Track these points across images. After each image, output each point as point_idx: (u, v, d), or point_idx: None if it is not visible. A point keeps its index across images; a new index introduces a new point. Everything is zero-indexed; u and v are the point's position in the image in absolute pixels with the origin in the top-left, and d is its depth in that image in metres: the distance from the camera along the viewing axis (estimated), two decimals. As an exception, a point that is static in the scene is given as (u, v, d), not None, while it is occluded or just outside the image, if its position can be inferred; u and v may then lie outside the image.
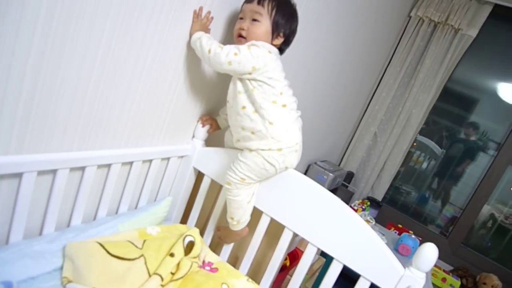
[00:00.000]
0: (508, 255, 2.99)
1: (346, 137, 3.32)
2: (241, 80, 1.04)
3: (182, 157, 1.29)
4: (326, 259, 2.07)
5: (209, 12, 1.07)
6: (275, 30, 1.06)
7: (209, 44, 1.00)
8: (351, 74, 2.54)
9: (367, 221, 2.47)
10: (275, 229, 1.20)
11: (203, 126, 1.27)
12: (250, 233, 1.21)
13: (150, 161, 1.17)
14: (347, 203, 2.71)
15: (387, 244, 2.28)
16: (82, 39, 0.79)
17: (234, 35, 1.09)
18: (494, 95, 3.06)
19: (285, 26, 1.08)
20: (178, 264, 0.95)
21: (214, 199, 1.34)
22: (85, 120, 0.90)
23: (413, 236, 2.31)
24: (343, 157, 3.36)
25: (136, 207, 1.22)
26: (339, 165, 3.36)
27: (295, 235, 1.17)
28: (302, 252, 1.61)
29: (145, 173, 1.18)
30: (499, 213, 3.08)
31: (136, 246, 0.94)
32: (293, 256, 1.64)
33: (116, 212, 1.15)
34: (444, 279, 2.69)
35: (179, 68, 1.09)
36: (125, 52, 0.91)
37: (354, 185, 3.25)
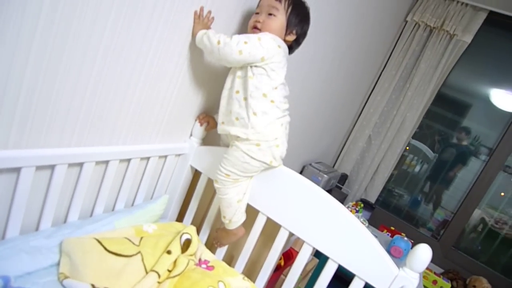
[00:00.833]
0: (497, 259, 3.03)
1: (341, 139, 3.34)
2: (243, 67, 1.06)
3: (179, 155, 1.30)
4: (319, 259, 2.08)
5: (210, 12, 1.08)
6: (289, 26, 1.10)
7: (217, 36, 1.02)
8: (346, 76, 2.56)
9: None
10: (271, 228, 1.20)
11: (201, 124, 1.28)
12: (246, 232, 1.21)
13: (148, 158, 1.17)
14: (341, 205, 2.74)
15: (380, 245, 2.31)
16: (84, 36, 0.80)
17: (249, 27, 1.12)
18: (487, 101, 3.10)
19: (298, 25, 1.12)
20: (175, 262, 0.96)
21: (210, 197, 1.35)
22: (84, 116, 0.90)
23: (405, 238, 2.33)
24: (337, 159, 3.38)
25: (132, 204, 1.22)
26: (333, 166, 3.38)
27: (291, 235, 1.18)
28: (297, 252, 1.62)
29: (143, 170, 1.18)
30: (489, 218, 3.12)
31: (133, 243, 0.95)
32: (288, 256, 1.65)
33: (113, 209, 1.15)
34: (435, 281, 2.71)
35: (178, 66, 1.10)
36: (126, 49, 0.91)
37: (348, 187, 3.27)
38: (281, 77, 1.08)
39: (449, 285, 2.69)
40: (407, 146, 3.22)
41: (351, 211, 2.56)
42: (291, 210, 1.14)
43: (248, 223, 1.20)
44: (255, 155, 1.07)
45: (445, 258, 3.02)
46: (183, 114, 1.23)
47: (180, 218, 1.39)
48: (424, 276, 2.68)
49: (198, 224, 1.38)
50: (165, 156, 1.24)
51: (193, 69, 1.16)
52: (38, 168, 0.84)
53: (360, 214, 2.62)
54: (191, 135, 1.31)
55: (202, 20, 1.06)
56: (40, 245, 0.88)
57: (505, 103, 3.04)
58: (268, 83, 1.05)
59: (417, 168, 3.43)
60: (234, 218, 1.16)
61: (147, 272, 0.90)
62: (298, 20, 1.12)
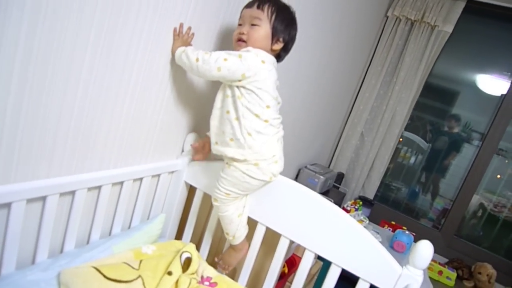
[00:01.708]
0: (500, 243, 3.05)
1: (334, 139, 3.35)
2: (230, 86, 1.03)
3: (172, 172, 1.29)
4: (323, 262, 2.07)
5: (189, 28, 1.07)
6: (275, 34, 1.06)
7: (196, 53, 1.00)
8: (333, 76, 2.57)
9: (361, 220, 2.49)
10: (271, 237, 1.20)
11: (196, 158, 1.27)
12: (248, 243, 1.20)
13: (141, 179, 1.15)
14: (340, 204, 2.75)
15: (382, 242, 2.31)
16: (64, 62, 0.79)
17: (233, 40, 1.08)
18: (474, 87, 3.14)
19: (284, 32, 1.08)
20: (177, 282, 0.94)
21: (207, 212, 1.34)
22: (72, 143, 0.89)
23: (407, 232, 2.34)
24: (332, 158, 3.39)
25: (129, 227, 1.20)
26: (328, 166, 3.38)
27: (291, 242, 1.17)
28: (300, 258, 1.61)
29: (136, 191, 1.17)
30: (488, 202, 3.15)
31: (133, 267, 0.93)
32: (291, 262, 1.64)
33: (110, 234, 1.13)
34: (440, 272, 2.72)
35: (163, 85, 1.09)
36: (108, 73, 0.90)
37: (345, 186, 3.27)
38: (271, 93, 1.05)
39: (455, 274, 2.70)
40: (400, 138, 3.23)
41: (350, 209, 2.57)
42: (290, 218, 1.13)
43: (248, 235, 1.19)
44: (255, 174, 1.06)
45: (448, 247, 3.03)
46: (172, 131, 1.22)
47: (179, 235, 1.37)
48: (429, 267, 2.69)
49: (197, 240, 1.37)
50: (158, 175, 1.23)
51: (178, 86, 1.15)
52: (29, 201, 0.83)
53: (360, 212, 2.62)
54: (182, 150, 1.30)
55: (181, 37, 1.05)
56: (37, 279, 0.86)
57: (492, 88, 3.08)
58: (259, 102, 1.02)
59: (412, 160, 3.46)
60: (237, 233, 1.15)
61: (149, 296, 0.88)
62: (284, 27, 1.07)
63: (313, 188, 1.40)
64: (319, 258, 2.13)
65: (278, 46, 1.09)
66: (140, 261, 0.97)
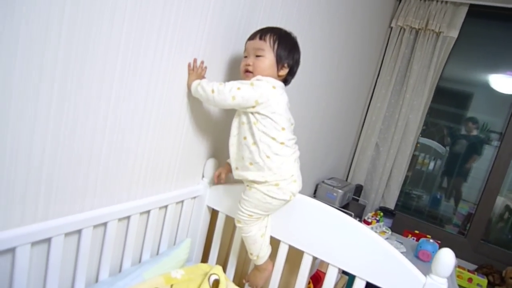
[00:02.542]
0: (530, 245, 2.97)
1: (349, 152, 3.37)
2: (245, 113, 1.09)
3: (195, 197, 1.34)
4: (348, 276, 2.07)
5: (202, 62, 1.15)
6: (279, 61, 1.12)
7: (211, 85, 1.07)
8: (343, 90, 2.62)
9: (383, 232, 2.48)
10: (295, 255, 1.23)
11: (219, 181, 1.31)
12: (272, 263, 1.24)
13: (166, 206, 1.21)
14: (360, 217, 2.74)
15: (406, 252, 2.30)
16: (94, 101, 0.87)
17: (241, 71, 1.15)
18: (487, 88, 3.12)
19: (288, 58, 1.13)
20: (207, 304, 0.98)
21: (231, 234, 1.38)
22: (102, 178, 0.96)
23: (431, 240, 2.31)
24: (349, 171, 3.39)
25: (157, 253, 1.25)
26: (346, 179, 3.39)
27: (314, 259, 1.20)
28: (324, 273, 1.62)
29: (162, 218, 1.23)
30: (514, 203, 3.08)
31: (165, 292, 0.98)
32: (316, 279, 1.65)
33: (140, 261, 1.18)
34: (470, 279, 2.66)
35: (182, 115, 1.16)
36: (131, 110, 0.98)
37: (365, 198, 3.26)
38: (285, 115, 1.10)
39: (486, 280, 2.63)
40: (417, 144, 3.21)
41: (371, 221, 2.56)
42: (311, 235, 1.16)
43: (272, 254, 1.22)
44: (275, 195, 1.10)
45: (476, 253, 2.96)
46: (192, 159, 1.28)
47: (204, 258, 1.41)
48: (458, 275, 2.63)
49: (222, 262, 1.40)
50: (182, 201, 1.28)
51: (196, 115, 1.22)
52: (67, 235, 0.90)
53: (381, 223, 2.60)
54: (203, 176, 1.36)
55: (196, 71, 1.12)
56: (76, 308, 0.91)
57: (505, 87, 3.06)
58: (274, 126, 1.07)
59: (431, 166, 3.42)
60: (261, 253, 1.18)
61: (182, 319, 0.92)
62: (287, 53, 1.13)
63: (332, 202, 1.43)
64: (344, 272, 2.13)
65: (284, 71, 1.14)
66: (171, 286, 1.01)
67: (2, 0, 0.65)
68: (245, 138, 1.10)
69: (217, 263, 1.32)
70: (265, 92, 1.06)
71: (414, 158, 3.30)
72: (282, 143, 1.09)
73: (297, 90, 1.84)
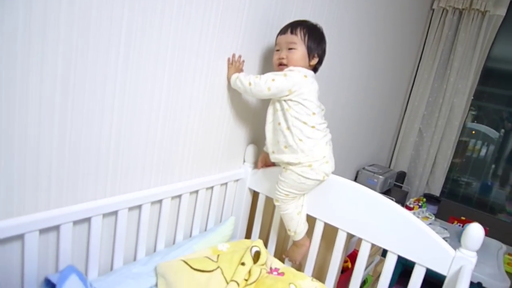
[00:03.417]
0: None
1: (391, 138, 3.34)
2: (279, 100, 1.19)
3: (237, 180, 1.47)
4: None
5: (240, 56, 1.26)
6: (310, 53, 1.21)
7: (247, 78, 1.18)
8: (383, 75, 2.61)
9: (426, 217, 2.47)
10: (330, 232, 1.31)
11: (260, 167, 1.44)
12: (308, 239, 1.33)
13: (212, 187, 1.35)
14: (403, 203, 2.73)
15: (450, 237, 2.28)
16: (147, 98, 1.01)
17: (274, 64, 1.24)
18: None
19: (317, 48, 1.23)
20: (249, 271, 1.10)
21: (271, 213, 1.49)
22: (158, 161, 1.12)
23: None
24: (392, 158, 3.37)
25: (205, 229, 1.40)
26: (389, 166, 3.36)
27: (350, 236, 1.28)
28: (362, 252, 1.68)
29: (209, 198, 1.37)
30: None
31: (212, 260, 1.12)
32: (353, 257, 1.72)
33: (190, 235, 1.34)
34: (521, 267, 2.57)
35: (223, 105, 1.29)
36: (180, 101, 1.12)
37: (408, 184, 3.23)
38: (315, 102, 1.18)
39: (539, 267, 2.52)
40: (466, 129, 3.10)
41: (413, 207, 2.56)
42: (345, 213, 1.24)
43: (309, 231, 1.32)
44: (309, 175, 1.20)
45: (529, 241, 2.83)
46: (234, 145, 1.41)
47: (248, 235, 1.54)
48: (507, 262, 2.55)
49: (264, 239, 1.52)
50: (226, 183, 1.42)
51: (236, 105, 1.34)
52: (130, 209, 1.06)
53: (424, 209, 2.59)
54: (244, 161, 1.48)
55: (234, 65, 1.24)
56: (140, 271, 1.08)
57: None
58: (305, 111, 1.16)
59: (483, 152, 3.28)
60: (298, 229, 1.28)
61: (227, 283, 1.05)
62: (317, 44, 1.22)
63: (373, 188, 1.49)
64: (383, 255, 2.17)
65: (314, 61, 1.24)
66: (218, 255, 1.15)
67: (77, 14, 0.80)
68: (279, 123, 1.20)
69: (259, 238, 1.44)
70: (297, 81, 1.15)
71: (463, 143, 3.19)
72: (313, 127, 1.17)
73: (337, 78, 1.90)
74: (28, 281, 0.85)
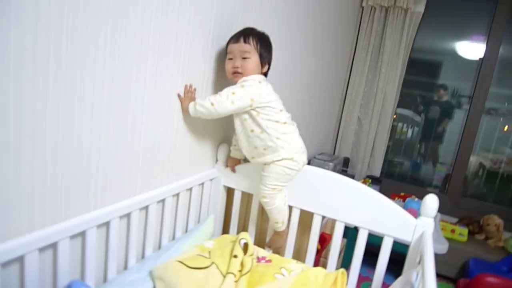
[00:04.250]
0: (502, 195, 3.30)
1: (334, 127, 3.59)
2: (244, 112, 1.23)
3: (212, 179, 1.52)
4: (346, 239, 2.30)
5: (191, 86, 1.24)
6: (262, 60, 1.26)
7: (207, 99, 1.17)
8: (325, 71, 2.81)
9: (373, 196, 2.72)
10: (305, 218, 1.43)
11: (233, 171, 1.49)
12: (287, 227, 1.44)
13: (191, 189, 1.39)
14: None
15: (396, 211, 2.55)
16: (129, 114, 1.03)
17: (228, 73, 1.25)
18: (454, 55, 3.37)
19: (268, 56, 1.29)
20: (242, 263, 1.17)
21: (245, 207, 1.57)
22: (142, 167, 1.13)
23: (416, 199, 2.58)
24: (335, 145, 3.63)
25: (186, 230, 1.43)
26: (334, 153, 3.62)
27: (323, 218, 1.40)
28: (329, 235, 1.85)
29: (189, 199, 1.40)
30: (486, 161, 3.39)
31: (205, 257, 1.16)
32: (322, 239, 1.87)
33: (173, 238, 1.36)
34: (453, 231, 2.96)
35: (182, 121, 1.32)
36: (159, 112, 1.14)
37: (352, 168, 3.51)
38: (277, 100, 1.25)
39: (466, 230, 2.93)
40: (394, 115, 3.47)
41: (362, 188, 2.80)
42: (317, 198, 1.37)
43: (286, 219, 1.42)
44: (292, 166, 1.28)
45: (456, 208, 3.26)
46: (206, 148, 1.46)
47: (225, 231, 1.61)
48: (442, 228, 2.93)
49: (241, 231, 1.60)
50: (202, 183, 1.46)
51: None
52: (121, 217, 1.07)
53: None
54: (217, 160, 1.54)
55: (187, 96, 1.21)
56: (135, 278, 1.09)
57: (471, 53, 3.32)
58: (273, 111, 1.22)
59: (409, 134, 3.69)
60: (285, 219, 1.38)
61: (224, 276, 1.11)
62: (268, 52, 1.28)
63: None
64: (344, 236, 2.37)
65: (266, 68, 1.30)
66: (209, 252, 1.20)
67: None
68: (252, 130, 1.24)
69: (237, 233, 1.51)
70: (256, 89, 1.19)
71: (393, 128, 3.56)
72: (285, 123, 1.26)
73: (283, 76, 2.02)
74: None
